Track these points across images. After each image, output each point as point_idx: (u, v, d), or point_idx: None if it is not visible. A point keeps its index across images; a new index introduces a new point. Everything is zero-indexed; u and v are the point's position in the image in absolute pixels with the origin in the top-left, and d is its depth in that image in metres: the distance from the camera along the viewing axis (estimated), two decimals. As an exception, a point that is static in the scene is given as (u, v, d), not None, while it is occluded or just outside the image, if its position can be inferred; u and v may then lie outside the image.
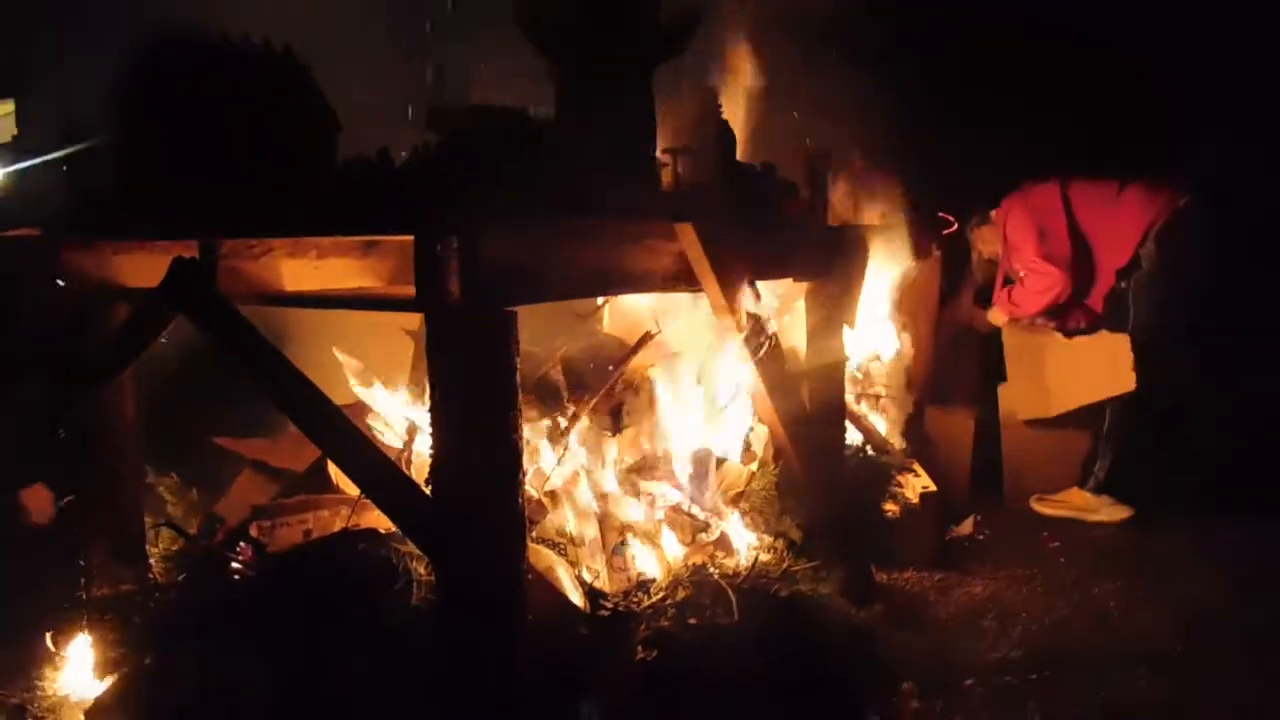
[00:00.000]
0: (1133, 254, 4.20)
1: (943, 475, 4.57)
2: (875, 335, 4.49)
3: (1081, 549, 4.06)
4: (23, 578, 2.56)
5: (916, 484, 4.06)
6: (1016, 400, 4.72)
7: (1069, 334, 4.57)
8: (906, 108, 4.62)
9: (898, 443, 4.22)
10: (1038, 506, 4.44)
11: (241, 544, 2.47)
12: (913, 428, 4.49)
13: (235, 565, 2.39)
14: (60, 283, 2.62)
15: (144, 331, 2.50)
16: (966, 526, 4.25)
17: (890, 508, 3.79)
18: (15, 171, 3.25)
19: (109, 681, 2.31)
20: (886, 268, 4.47)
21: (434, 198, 2.12)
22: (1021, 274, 4.48)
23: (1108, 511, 4.30)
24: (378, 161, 2.42)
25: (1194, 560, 3.89)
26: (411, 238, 2.10)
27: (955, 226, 4.98)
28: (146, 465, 2.89)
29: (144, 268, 2.61)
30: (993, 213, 4.72)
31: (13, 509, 2.61)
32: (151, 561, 2.72)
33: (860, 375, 4.34)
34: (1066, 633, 3.29)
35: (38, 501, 2.62)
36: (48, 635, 2.51)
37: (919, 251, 4.71)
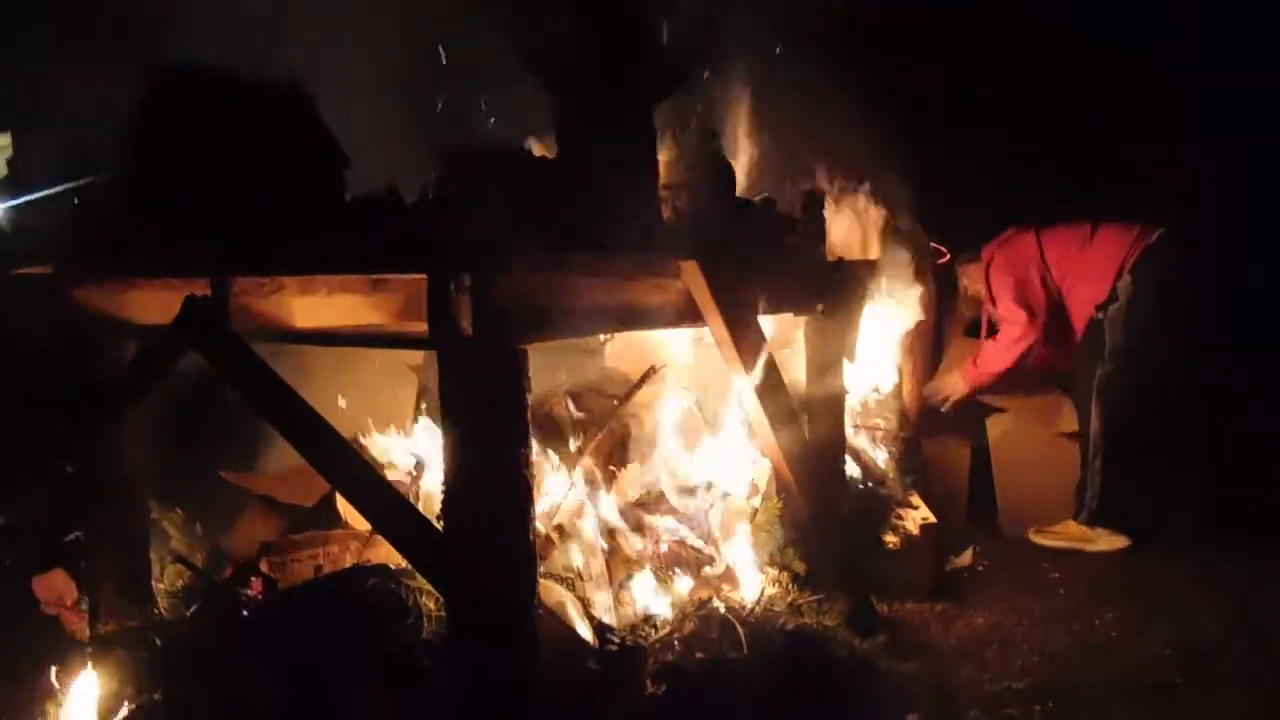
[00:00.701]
0: (1110, 289, 4.32)
1: (940, 505, 4.61)
2: (874, 368, 4.52)
3: (1081, 580, 4.08)
4: (27, 612, 2.56)
5: (916, 515, 4.08)
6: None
7: (1046, 375, 4.68)
8: (901, 138, 4.69)
9: (897, 475, 4.24)
10: (1036, 538, 4.47)
11: (254, 578, 2.47)
12: (911, 459, 4.52)
13: (246, 599, 2.39)
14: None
15: (155, 368, 2.52)
16: (966, 557, 4.27)
17: (891, 539, 3.81)
18: (18, 205, 3.26)
19: (117, 717, 2.30)
20: (892, 301, 4.54)
21: (446, 237, 2.16)
22: (998, 324, 4.61)
23: (1106, 541, 4.33)
24: (387, 198, 2.47)
25: (1193, 590, 3.91)
26: (423, 276, 2.14)
27: (948, 257, 5.04)
28: (152, 500, 2.89)
29: (155, 304, 2.63)
30: (983, 250, 4.80)
31: (18, 546, 2.61)
32: (158, 597, 2.72)
33: (860, 408, 4.37)
34: (1068, 664, 3.30)
35: (52, 590, 2.63)
36: (52, 671, 2.49)
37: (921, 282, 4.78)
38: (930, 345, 5.11)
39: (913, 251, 4.67)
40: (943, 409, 4.80)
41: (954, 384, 4.79)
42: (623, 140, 2.97)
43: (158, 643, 2.41)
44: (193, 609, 2.50)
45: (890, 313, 4.54)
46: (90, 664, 2.39)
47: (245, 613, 2.39)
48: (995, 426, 4.84)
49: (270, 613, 2.32)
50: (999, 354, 4.60)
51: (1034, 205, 4.81)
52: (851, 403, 4.23)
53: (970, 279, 4.89)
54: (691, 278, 2.70)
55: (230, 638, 2.27)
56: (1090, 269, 4.38)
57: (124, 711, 2.25)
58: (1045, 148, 5.26)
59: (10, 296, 2.70)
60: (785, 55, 4.66)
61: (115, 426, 2.69)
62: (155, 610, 2.66)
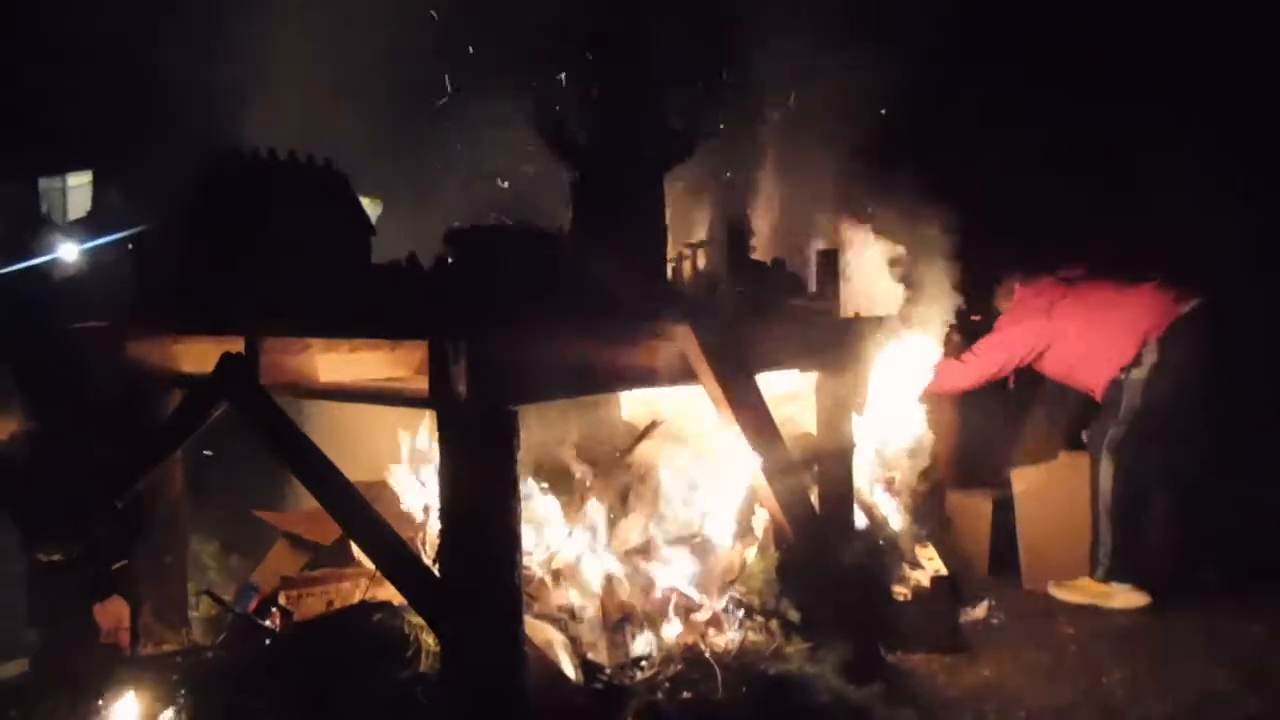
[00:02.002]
0: (1135, 353, 4.34)
1: (961, 557, 4.67)
2: (894, 419, 4.61)
3: (1095, 636, 4.09)
4: (90, 638, 2.81)
5: (929, 567, 4.16)
6: None
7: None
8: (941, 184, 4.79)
9: (912, 526, 4.32)
10: (1055, 592, 4.49)
11: (273, 610, 2.71)
12: (931, 510, 4.59)
13: (266, 629, 2.63)
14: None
15: (195, 416, 2.80)
16: (981, 610, 4.31)
17: (901, 590, 3.89)
18: (83, 260, 3.60)
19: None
20: (912, 355, 4.64)
21: (446, 306, 2.38)
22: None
23: (1123, 598, 4.33)
24: (401, 269, 2.71)
25: (1209, 649, 3.89)
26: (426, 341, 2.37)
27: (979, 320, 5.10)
28: (192, 533, 3.15)
29: (200, 355, 2.92)
30: (1016, 287, 4.86)
31: (70, 570, 2.87)
32: (193, 624, 2.98)
33: (876, 459, 4.46)
34: (1070, 721, 3.35)
35: (110, 617, 2.86)
36: (97, 689, 2.74)
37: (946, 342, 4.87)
38: (960, 396, 5.17)
39: (939, 302, 4.77)
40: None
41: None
42: (631, 208, 3.19)
43: (189, 666, 2.65)
44: (220, 637, 2.74)
45: (913, 364, 4.65)
46: (131, 686, 2.64)
47: (265, 642, 2.62)
48: (1021, 480, 4.88)
49: (284, 645, 2.55)
50: (958, 373, 4.75)
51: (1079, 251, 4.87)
52: (869, 454, 4.35)
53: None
54: (686, 341, 2.88)
55: (250, 667, 2.50)
56: (1119, 329, 4.39)
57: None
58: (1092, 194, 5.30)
59: (76, 348, 3.02)
60: (809, 103, 4.83)
61: (159, 466, 2.96)
62: (189, 637, 2.91)
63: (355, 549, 3.08)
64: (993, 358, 4.68)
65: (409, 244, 2.82)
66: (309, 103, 4.37)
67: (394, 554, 2.45)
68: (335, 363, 2.79)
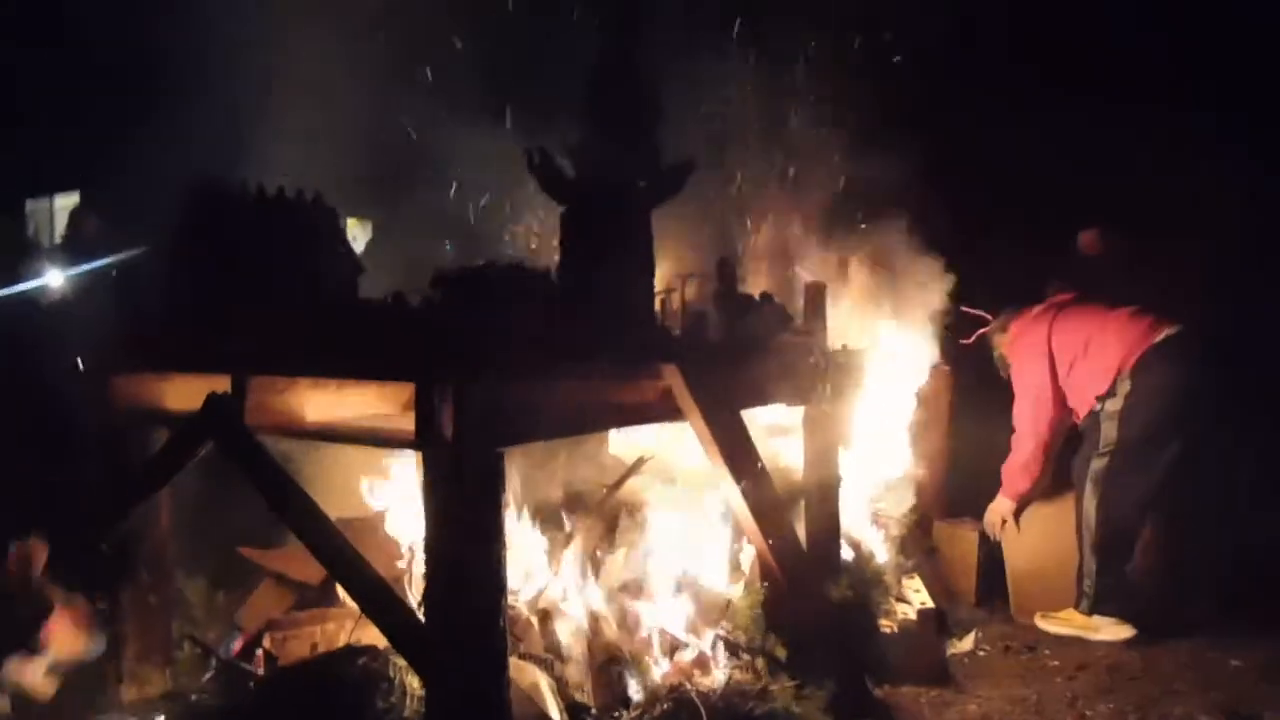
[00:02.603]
0: (1110, 384, 4.35)
1: (947, 589, 4.68)
2: (881, 451, 4.63)
3: (1081, 669, 4.09)
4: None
5: (915, 600, 4.17)
6: None
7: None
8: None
9: (898, 558, 4.33)
10: (1041, 624, 4.49)
11: (257, 653, 2.69)
12: (917, 541, 4.60)
13: (250, 674, 2.61)
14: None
15: (180, 455, 2.78)
16: (968, 642, 4.31)
17: (887, 624, 3.89)
18: (66, 294, 3.57)
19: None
20: (897, 384, 4.65)
21: (432, 349, 2.39)
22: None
23: (1110, 631, 4.34)
24: (392, 306, 2.71)
25: (1193, 684, 3.90)
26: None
27: (990, 323, 5.04)
28: (178, 571, 3.14)
29: (184, 392, 2.91)
30: (1011, 324, 4.86)
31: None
32: (178, 663, 2.95)
33: (866, 492, 4.47)
34: (1054, 756, 3.36)
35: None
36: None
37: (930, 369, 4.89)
38: (948, 426, 5.19)
39: (927, 332, 4.80)
40: (996, 535, 4.81)
41: (997, 509, 4.79)
42: (619, 246, 3.20)
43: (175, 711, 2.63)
44: (205, 680, 2.72)
45: (899, 396, 4.67)
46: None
47: (248, 687, 2.60)
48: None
49: (267, 691, 2.53)
50: (1017, 477, 4.68)
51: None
52: (858, 487, 4.36)
53: (1001, 346, 4.93)
54: (673, 380, 2.89)
55: (234, 713, 2.49)
56: (1095, 359, 4.41)
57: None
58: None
59: (60, 385, 3.01)
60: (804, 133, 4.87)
61: (144, 505, 2.95)
62: (173, 678, 2.89)
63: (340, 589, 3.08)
64: (1029, 414, 4.59)
65: (402, 267, 2.83)
66: (300, 120, 4.40)
67: (378, 596, 2.45)
68: (323, 400, 2.80)
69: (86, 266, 3.98)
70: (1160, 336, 4.31)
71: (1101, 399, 4.37)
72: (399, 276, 3.09)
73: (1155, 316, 4.39)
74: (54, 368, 3.04)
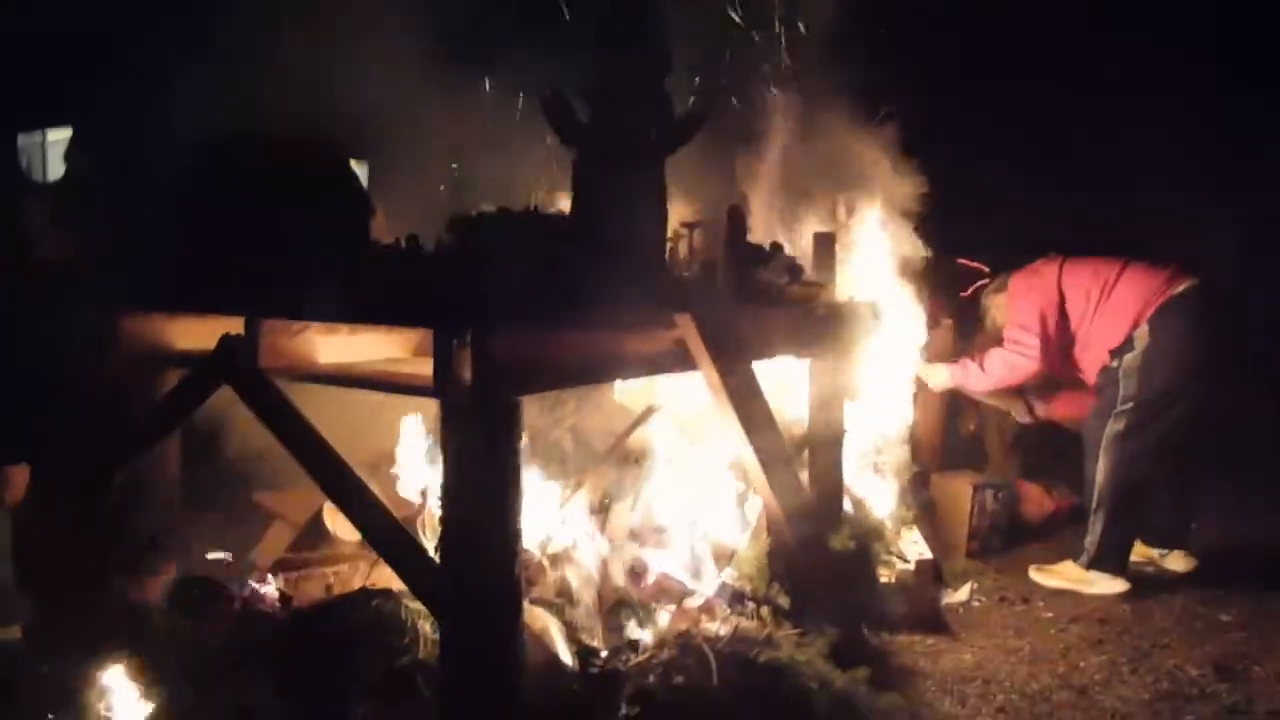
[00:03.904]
0: (1126, 336, 4.28)
1: (944, 541, 4.74)
2: (883, 404, 4.65)
3: (1074, 621, 4.15)
4: (74, 616, 2.81)
5: (913, 551, 4.22)
6: None
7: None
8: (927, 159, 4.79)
9: (897, 510, 4.38)
10: (1036, 576, 4.55)
11: (265, 591, 2.72)
12: (915, 495, 4.64)
13: (264, 615, 2.64)
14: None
15: (191, 398, 2.78)
16: (963, 593, 4.38)
17: (885, 574, 3.95)
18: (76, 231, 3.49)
19: (148, 714, 2.56)
20: (900, 338, 4.66)
21: (450, 295, 2.38)
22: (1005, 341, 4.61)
23: (1104, 585, 4.40)
24: (407, 249, 2.70)
25: (1184, 637, 3.97)
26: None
27: (988, 277, 5.01)
28: (189, 513, 3.15)
29: (196, 333, 2.90)
30: (1009, 280, 4.84)
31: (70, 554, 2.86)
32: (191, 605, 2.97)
33: (868, 444, 4.50)
34: (1046, 704, 3.40)
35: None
36: (96, 670, 2.74)
37: (931, 321, 4.90)
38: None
39: (930, 285, 4.79)
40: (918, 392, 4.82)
41: (938, 376, 4.77)
42: (632, 193, 3.17)
43: (188, 649, 2.66)
44: (217, 622, 2.74)
45: (901, 349, 4.68)
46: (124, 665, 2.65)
47: (262, 628, 2.63)
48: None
49: (282, 632, 2.56)
50: (994, 373, 4.60)
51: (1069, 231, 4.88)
52: (858, 439, 4.39)
53: (997, 308, 4.86)
54: (686, 329, 2.89)
55: (248, 653, 2.52)
56: (1110, 312, 4.33)
57: (148, 711, 2.51)
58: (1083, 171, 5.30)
59: (71, 324, 2.98)
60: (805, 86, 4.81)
61: (155, 447, 2.95)
62: (185, 619, 2.91)
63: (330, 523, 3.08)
64: (1027, 343, 4.47)
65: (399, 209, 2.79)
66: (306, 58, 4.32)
67: (394, 540, 2.47)
68: (336, 344, 2.79)
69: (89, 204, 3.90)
70: (1180, 288, 4.25)
71: (1117, 353, 4.31)
72: (400, 221, 3.07)
73: (1174, 268, 4.32)
74: (59, 307, 3.00)
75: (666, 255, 3.34)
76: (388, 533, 2.45)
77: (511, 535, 2.36)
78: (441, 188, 5.14)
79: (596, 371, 2.80)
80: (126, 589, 2.92)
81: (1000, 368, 4.58)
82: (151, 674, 2.61)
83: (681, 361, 2.98)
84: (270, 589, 2.86)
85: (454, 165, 4.86)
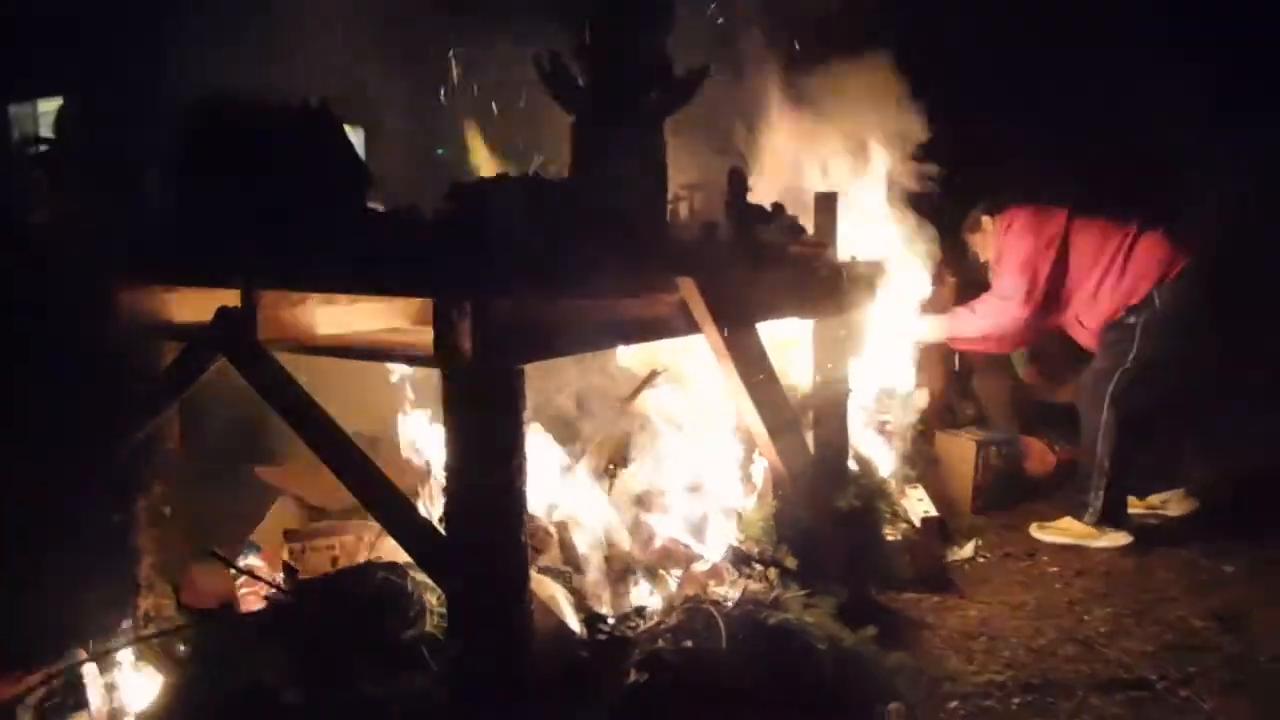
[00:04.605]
0: (1148, 294, 4.29)
1: (948, 498, 4.75)
2: (888, 362, 4.63)
3: (1079, 575, 4.19)
4: (80, 592, 2.80)
5: (919, 509, 4.23)
6: None
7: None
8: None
9: (902, 468, 4.37)
10: (1038, 534, 4.56)
11: (263, 566, 2.71)
12: (920, 450, 4.64)
13: (271, 586, 2.64)
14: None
15: (190, 370, 2.76)
16: (968, 550, 4.40)
17: (890, 532, 3.96)
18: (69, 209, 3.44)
19: (158, 690, 2.57)
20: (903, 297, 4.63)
21: (450, 263, 2.34)
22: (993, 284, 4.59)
23: (1108, 538, 4.42)
24: (405, 218, 2.66)
25: (1187, 589, 4.01)
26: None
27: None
28: (192, 490, 3.13)
29: (195, 304, 2.86)
30: (984, 217, 4.76)
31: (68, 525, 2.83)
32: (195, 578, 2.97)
33: (873, 404, 4.49)
34: (1053, 658, 3.44)
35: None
36: (103, 646, 2.74)
37: (936, 279, 4.86)
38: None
39: (933, 246, 4.75)
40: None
41: (932, 328, 4.75)
42: (631, 155, 3.12)
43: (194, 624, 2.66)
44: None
45: (904, 309, 4.65)
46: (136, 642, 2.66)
47: (269, 602, 2.63)
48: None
49: (289, 605, 2.56)
50: (983, 321, 4.58)
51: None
52: (863, 399, 4.37)
53: (980, 246, 4.83)
54: (688, 293, 2.86)
55: (254, 626, 2.52)
56: (1130, 269, 4.32)
57: (158, 686, 2.52)
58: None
59: (68, 297, 2.94)
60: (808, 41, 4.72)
61: (155, 421, 2.93)
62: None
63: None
64: (1016, 287, 4.46)
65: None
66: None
67: (398, 512, 2.45)
68: (334, 314, 2.75)
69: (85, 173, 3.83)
70: (1196, 253, 4.28)
71: (1135, 310, 4.32)
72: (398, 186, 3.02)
73: (1188, 234, 4.34)
74: (55, 278, 2.96)
75: (668, 218, 3.30)
76: (392, 505, 2.44)
77: (516, 505, 2.35)
78: (440, 151, 5.08)
79: (599, 337, 2.78)
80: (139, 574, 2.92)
81: (988, 312, 4.58)
82: (161, 653, 2.61)
83: (685, 325, 2.95)
84: (268, 565, 2.85)
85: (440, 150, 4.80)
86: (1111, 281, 4.37)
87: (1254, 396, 4.87)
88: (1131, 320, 4.33)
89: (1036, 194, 4.73)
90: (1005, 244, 4.58)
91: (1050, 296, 4.46)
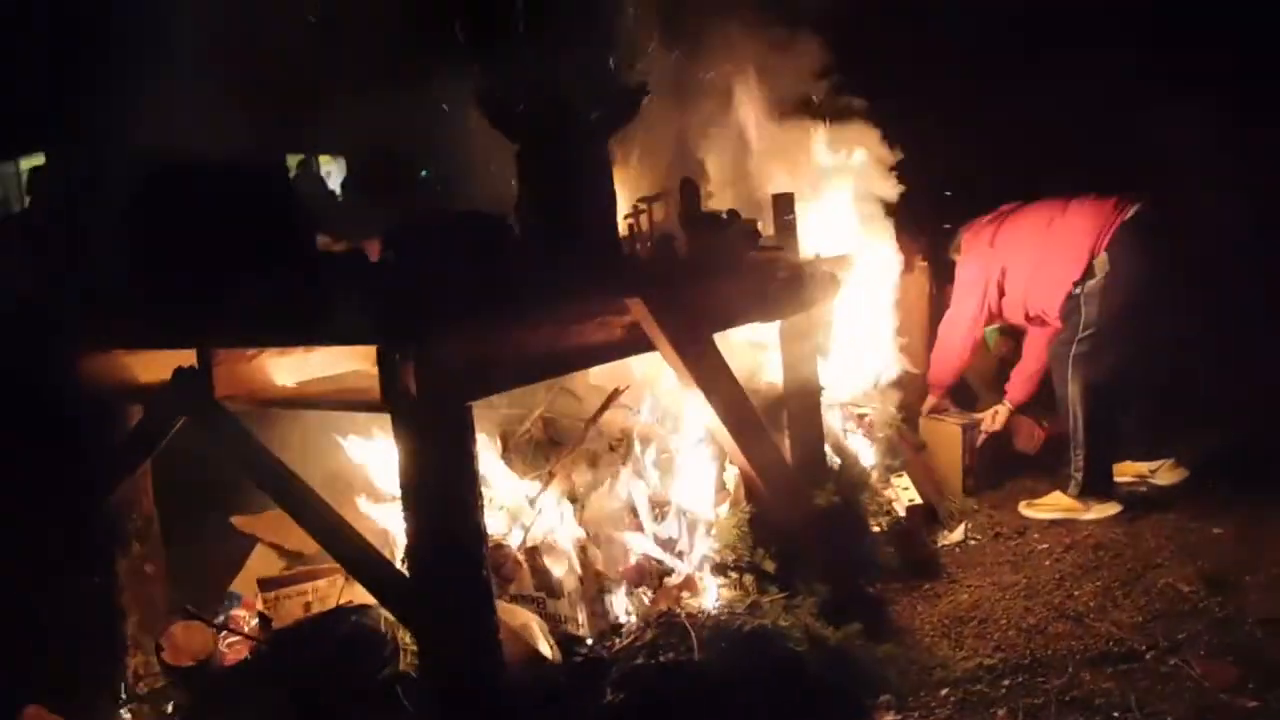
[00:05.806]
0: (1085, 267, 4.30)
1: (936, 483, 4.76)
2: (863, 354, 4.65)
3: (1069, 550, 4.19)
4: (62, 655, 2.85)
5: (904, 497, 4.24)
6: None
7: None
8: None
9: (884, 459, 4.38)
10: (1027, 512, 4.56)
11: (239, 616, 2.75)
12: (906, 439, 4.65)
13: (248, 638, 2.68)
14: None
15: (155, 431, 2.80)
16: (958, 533, 4.41)
17: (876, 523, 3.97)
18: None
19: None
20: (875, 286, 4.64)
21: (388, 310, 2.38)
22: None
23: (1097, 509, 4.42)
24: (347, 264, 2.70)
25: (1176, 554, 4.00)
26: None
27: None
28: (169, 545, 3.18)
29: (154, 365, 2.90)
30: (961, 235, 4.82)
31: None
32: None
33: (851, 397, 4.50)
34: (1043, 636, 3.45)
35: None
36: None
37: (905, 266, 4.87)
38: (928, 320, 5.20)
39: (900, 236, 4.76)
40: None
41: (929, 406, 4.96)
42: (576, 177, 3.14)
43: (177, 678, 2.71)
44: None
45: (876, 300, 4.66)
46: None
47: (250, 653, 2.68)
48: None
49: (266, 654, 2.61)
50: (944, 372, 4.85)
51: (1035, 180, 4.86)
52: (839, 393, 4.39)
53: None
54: (639, 313, 2.88)
55: (234, 679, 2.57)
56: (1062, 247, 4.36)
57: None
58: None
59: (31, 363, 2.99)
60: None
61: (126, 482, 2.98)
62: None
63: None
64: (964, 309, 4.66)
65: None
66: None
67: (361, 557, 2.49)
68: (291, 364, 2.79)
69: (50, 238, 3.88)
70: (1130, 212, 4.28)
71: (1080, 282, 4.33)
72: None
73: (1119, 195, 4.36)
74: (21, 346, 3.01)
75: (619, 234, 3.33)
76: (355, 551, 2.48)
77: (474, 539, 2.38)
78: (424, 173, 5.11)
79: (550, 367, 2.80)
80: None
81: (941, 334, 4.82)
82: (146, 707, 2.66)
83: (640, 343, 2.97)
84: (250, 614, 2.89)
85: (423, 172, 4.85)
86: (1052, 264, 4.40)
87: (1241, 365, 4.86)
88: (1077, 291, 4.36)
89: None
90: (956, 273, 4.77)
91: (1009, 302, 4.61)
